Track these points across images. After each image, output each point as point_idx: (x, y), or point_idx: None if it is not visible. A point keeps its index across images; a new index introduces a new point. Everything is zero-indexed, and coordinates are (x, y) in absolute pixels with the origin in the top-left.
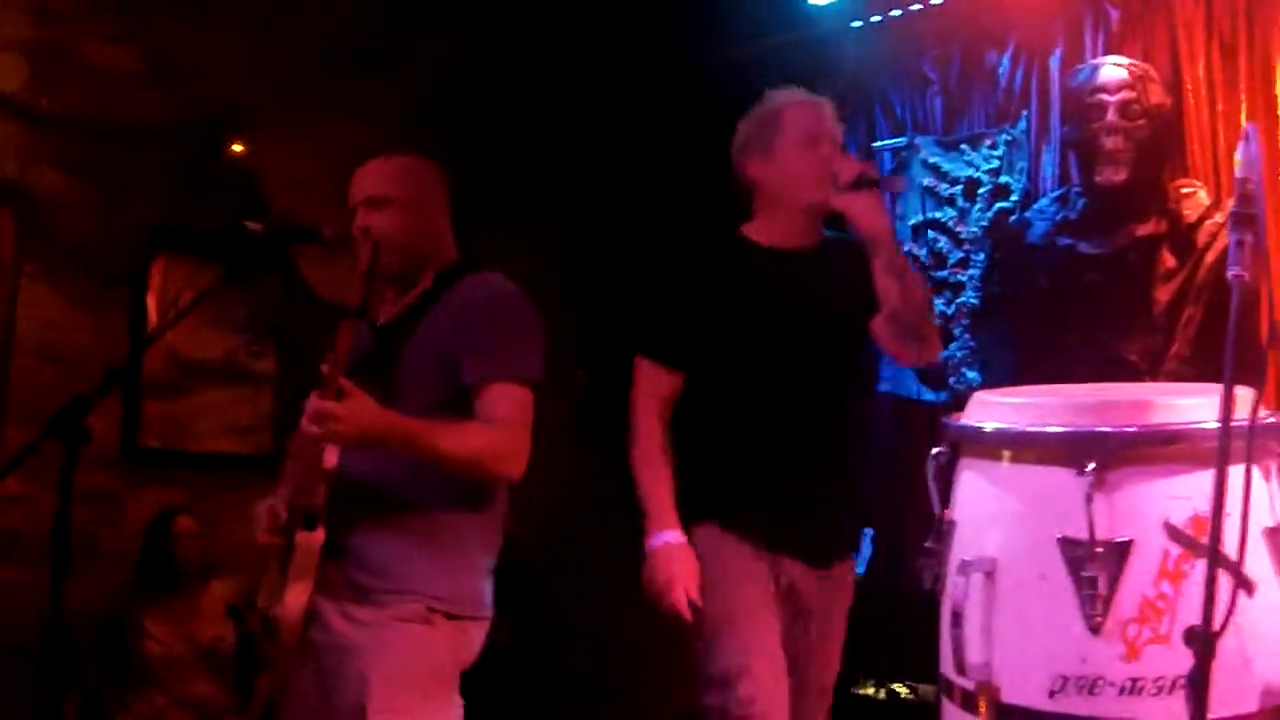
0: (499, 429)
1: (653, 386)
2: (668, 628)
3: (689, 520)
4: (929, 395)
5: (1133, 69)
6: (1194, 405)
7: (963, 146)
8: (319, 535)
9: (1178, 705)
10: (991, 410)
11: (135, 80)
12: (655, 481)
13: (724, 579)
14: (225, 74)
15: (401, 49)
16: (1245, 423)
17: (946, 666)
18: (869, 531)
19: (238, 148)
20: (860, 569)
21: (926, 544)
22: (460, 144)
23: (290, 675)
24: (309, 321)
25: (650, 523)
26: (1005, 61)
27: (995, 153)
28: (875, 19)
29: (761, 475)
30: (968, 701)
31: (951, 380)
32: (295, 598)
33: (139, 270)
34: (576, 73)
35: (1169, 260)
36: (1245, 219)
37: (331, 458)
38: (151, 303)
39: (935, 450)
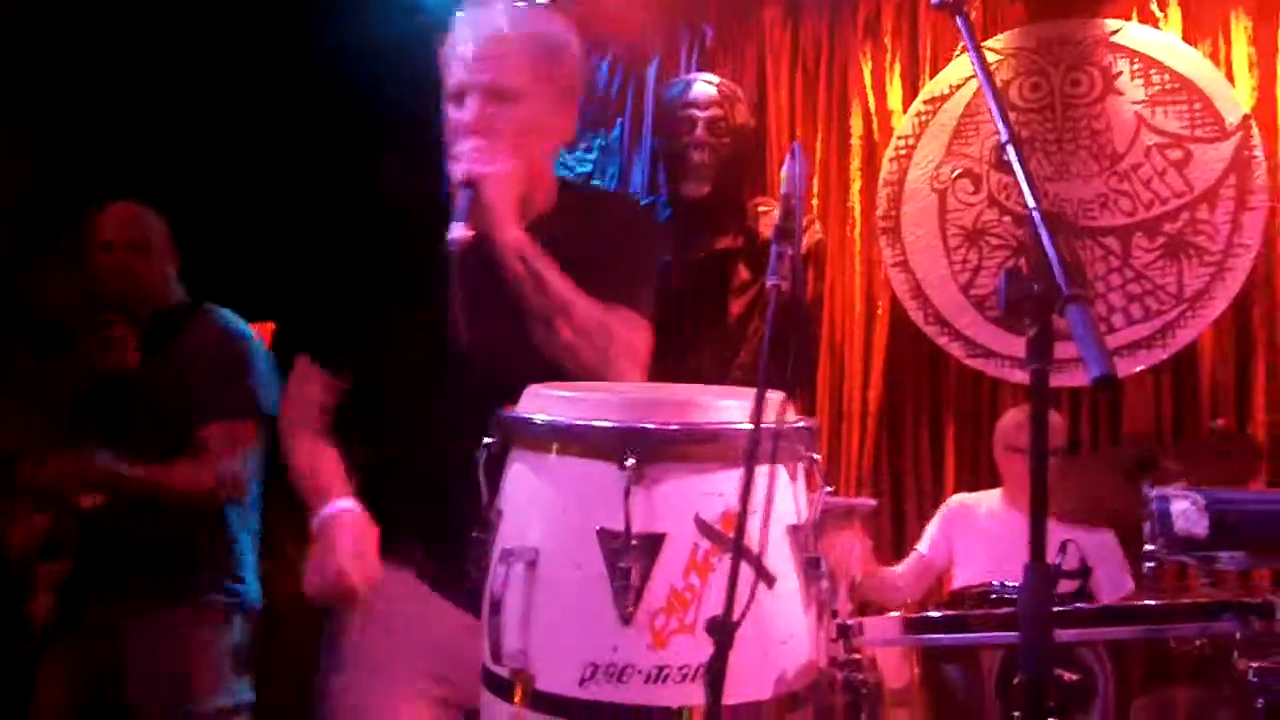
0: (206, 462)
1: (309, 379)
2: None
3: None
4: None
5: (722, 88)
6: (731, 407)
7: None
8: (64, 564)
9: (699, 692)
10: (542, 403)
11: None
12: (320, 458)
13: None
14: None
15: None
16: (773, 425)
17: (485, 656)
18: None
19: None
20: None
21: (473, 534)
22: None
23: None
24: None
25: (318, 497)
26: (603, 68)
27: (589, 156)
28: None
29: (415, 497)
30: (502, 688)
31: None
32: (38, 609)
33: None
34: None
35: (743, 273)
36: (785, 232)
37: (87, 501)
38: None
39: (486, 440)
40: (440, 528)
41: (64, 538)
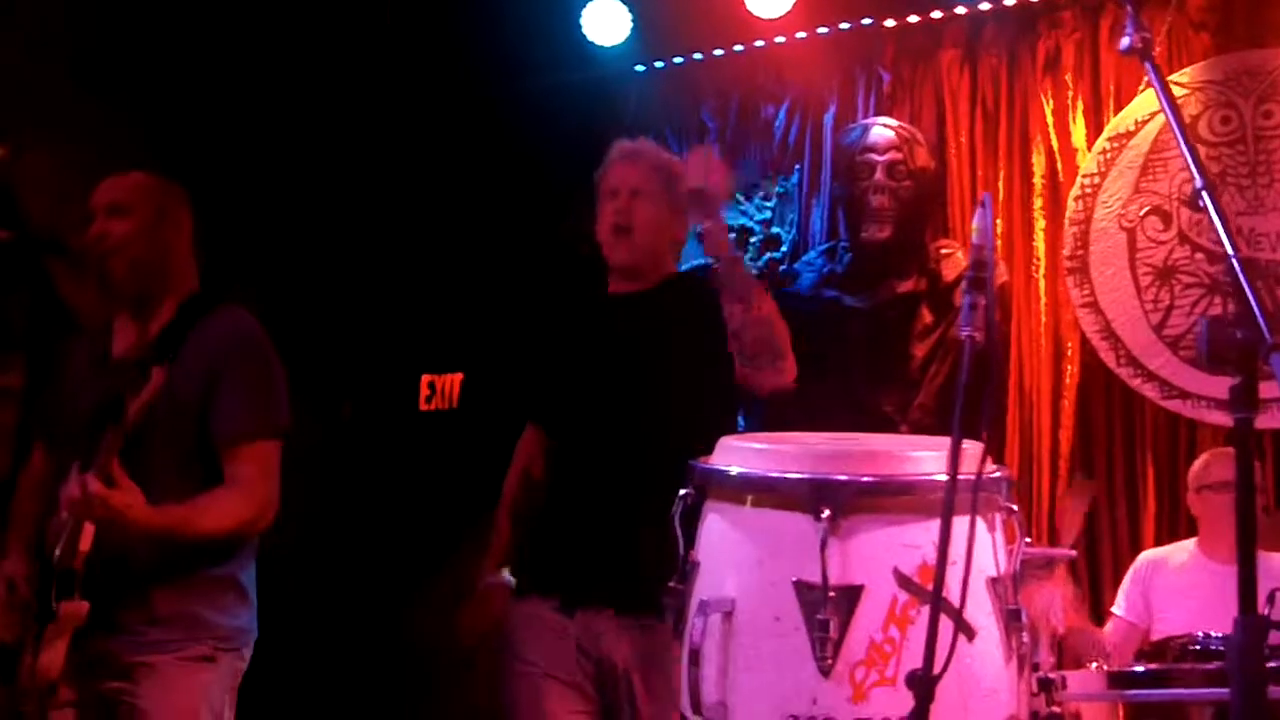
0: (247, 492)
1: (524, 443)
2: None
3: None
4: None
5: (900, 131)
6: (926, 458)
7: (737, 195)
8: (81, 605)
9: None
10: (736, 455)
11: None
12: (498, 532)
13: (521, 654)
14: None
15: (157, 68)
16: (971, 476)
17: (684, 706)
18: None
19: None
20: None
21: (670, 584)
22: (216, 168)
23: None
24: (63, 338)
25: (490, 562)
26: (781, 115)
27: (768, 203)
28: (658, 65)
29: (567, 528)
30: None
31: None
32: (51, 658)
33: None
34: (354, 96)
35: (927, 317)
36: (977, 282)
37: (90, 529)
38: None
39: (682, 492)
40: (578, 564)
41: (71, 569)
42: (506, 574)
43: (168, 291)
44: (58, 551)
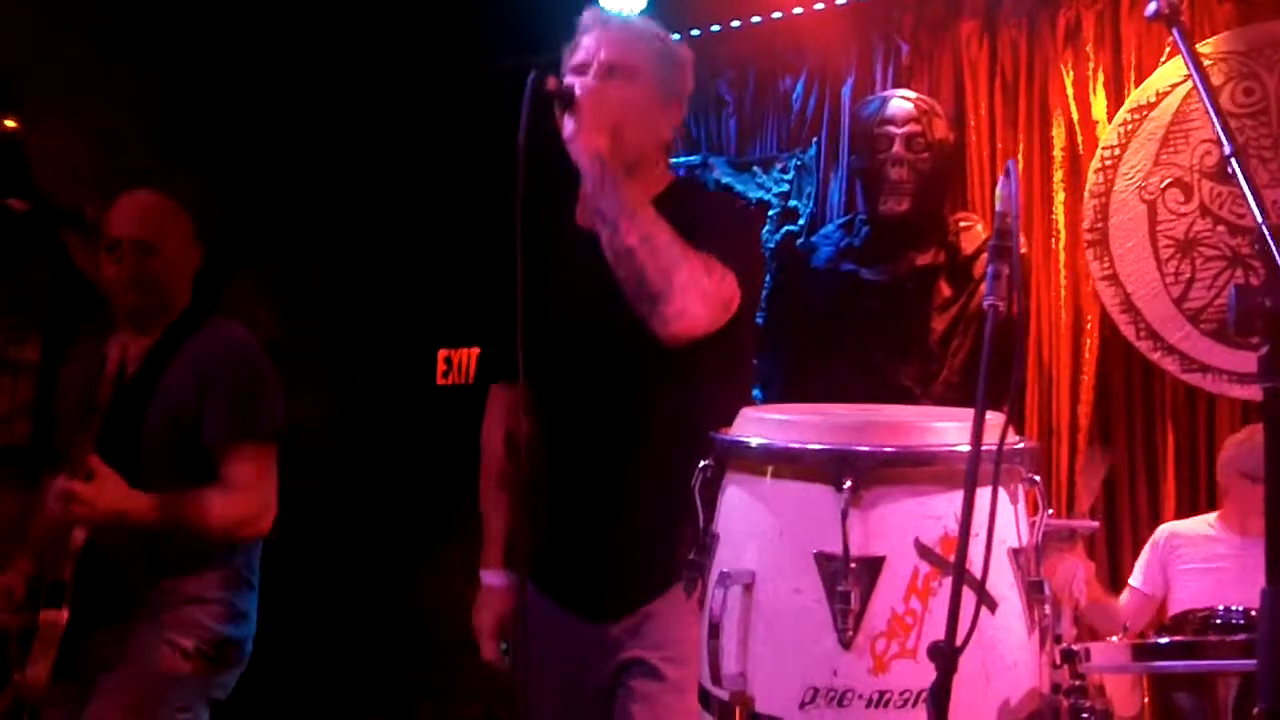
0: (240, 494)
1: (494, 406)
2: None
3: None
4: None
5: (919, 103)
6: (949, 429)
7: (754, 168)
8: (64, 613)
9: (921, 718)
10: (757, 426)
11: None
12: (489, 515)
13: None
14: None
15: (171, 38)
16: (994, 447)
17: (704, 677)
18: None
19: (9, 124)
20: None
21: (690, 556)
22: (231, 142)
23: None
24: (78, 310)
25: (483, 557)
26: (798, 88)
27: (785, 176)
28: (675, 37)
29: (560, 516)
30: (723, 712)
31: None
32: (37, 672)
33: None
34: (367, 70)
35: (946, 290)
36: (1002, 251)
37: (80, 535)
38: None
39: (702, 464)
40: (571, 555)
41: (60, 581)
42: (502, 574)
43: (169, 309)
44: (44, 562)
